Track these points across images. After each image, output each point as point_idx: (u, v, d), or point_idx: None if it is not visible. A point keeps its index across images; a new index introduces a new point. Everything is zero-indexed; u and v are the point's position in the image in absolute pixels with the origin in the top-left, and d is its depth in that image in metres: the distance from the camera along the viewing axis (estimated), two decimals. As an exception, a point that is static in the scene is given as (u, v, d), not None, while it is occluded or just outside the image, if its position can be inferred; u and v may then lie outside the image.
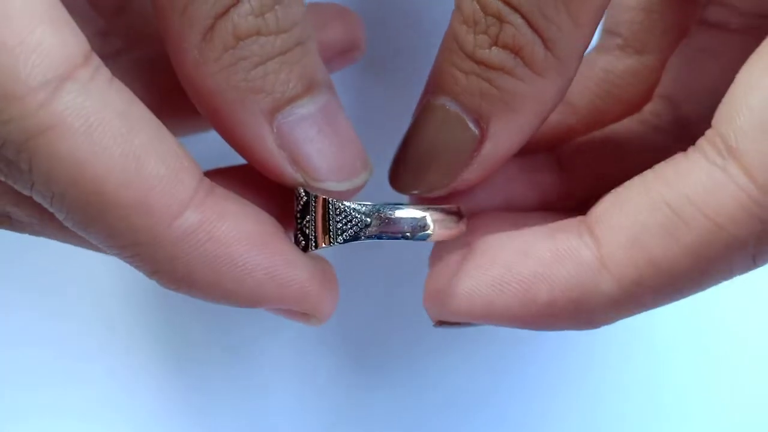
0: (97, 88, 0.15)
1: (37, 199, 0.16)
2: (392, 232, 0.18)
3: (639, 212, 0.17)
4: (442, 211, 0.19)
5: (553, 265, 0.17)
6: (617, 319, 0.18)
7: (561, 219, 0.23)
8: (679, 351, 0.31)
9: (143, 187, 0.15)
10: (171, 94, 0.20)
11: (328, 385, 0.31)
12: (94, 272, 0.30)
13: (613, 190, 0.18)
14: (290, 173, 0.18)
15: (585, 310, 0.17)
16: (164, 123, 0.17)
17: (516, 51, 0.17)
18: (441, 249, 0.20)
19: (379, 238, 0.18)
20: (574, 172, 0.24)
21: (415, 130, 0.19)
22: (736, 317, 0.31)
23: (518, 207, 0.23)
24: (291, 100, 0.18)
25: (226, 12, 0.16)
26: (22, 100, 0.14)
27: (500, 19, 0.17)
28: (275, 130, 0.18)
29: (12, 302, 0.31)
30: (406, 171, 0.20)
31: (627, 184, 0.18)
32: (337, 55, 0.24)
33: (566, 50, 0.17)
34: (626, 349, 0.31)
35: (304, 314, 0.19)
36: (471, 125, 0.18)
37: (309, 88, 0.18)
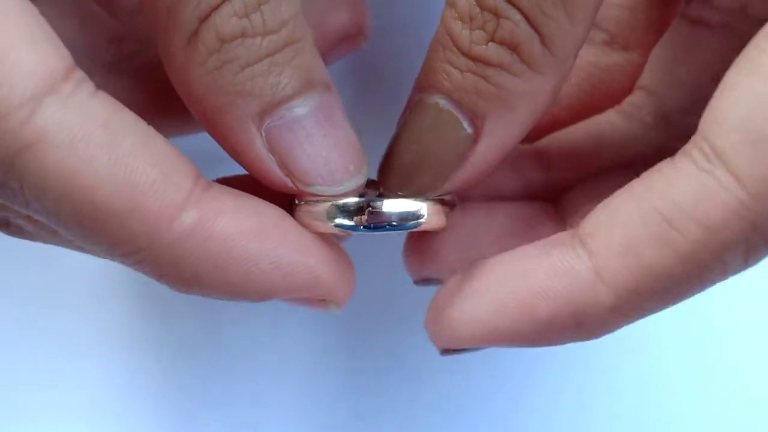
0: (78, 101, 0.15)
1: (36, 216, 0.16)
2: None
3: (631, 223, 0.17)
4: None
5: (549, 282, 0.18)
6: (617, 328, 0.18)
7: (544, 209, 0.23)
8: (672, 350, 0.31)
9: (135, 192, 0.16)
10: None
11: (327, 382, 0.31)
12: (89, 271, 0.30)
13: (603, 202, 0.18)
14: (280, 177, 0.18)
15: (585, 322, 0.18)
16: (182, 120, 0.17)
17: (513, 47, 0.17)
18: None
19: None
20: (556, 162, 0.24)
21: (405, 130, 0.19)
22: (731, 317, 0.31)
23: (502, 196, 0.23)
24: (280, 103, 0.17)
25: (209, 15, 0.16)
26: (5, 119, 0.15)
27: (497, 15, 0.17)
28: (264, 134, 0.17)
29: (5, 301, 0.30)
30: (397, 172, 0.19)
31: (616, 194, 0.18)
32: (342, 41, 0.24)
33: (563, 48, 0.17)
34: (618, 347, 0.31)
35: (321, 301, 0.19)
36: (465, 124, 0.18)
37: (300, 90, 0.17)
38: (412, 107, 0.19)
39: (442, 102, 0.18)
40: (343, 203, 0.18)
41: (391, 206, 0.19)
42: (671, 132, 0.23)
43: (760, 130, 0.16)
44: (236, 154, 0.18)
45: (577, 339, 0.18)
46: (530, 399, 0.31)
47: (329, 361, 0.31)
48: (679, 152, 0.17)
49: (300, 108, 0.17)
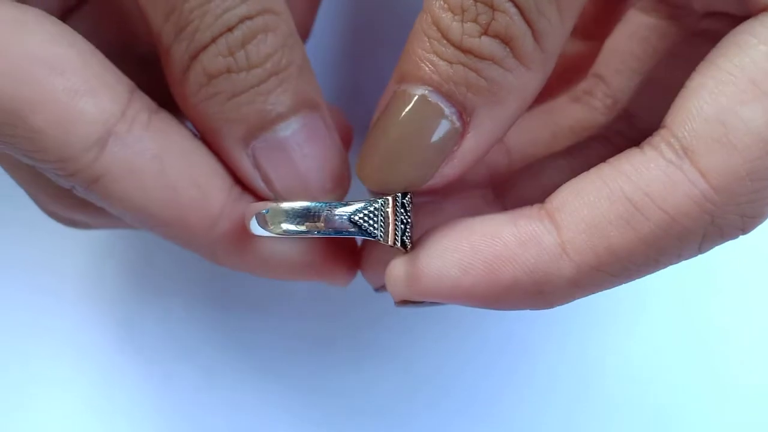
0: (133, 139, 0.19)
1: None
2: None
3: (599, 202, 0.18)
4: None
5: (516, 249, 0.18)
6: (572, 300, 0.19)
7: (482, 195, 0.24)
8: (670, 349, 0.32)
9: (180, 209, 0.19)
10: None
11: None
12: (91, 268, 0.30)
13: (571, 181, 0.19)
14: (265, 191, 0.20)
15: (544, 291, 0.18)
16: None
17: (507, 41, 0.17)
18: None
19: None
20: (515, 149, 0.24)
21: (388, 122, 0.18)
22: (730, 316, 0.31)
23: (469, 182, 0.23)
24: (264, 128, 0.19)
25: (197, 54, 0.19)
26: (79, 160, 0.18)
27: (492, 8, 0.17)
28: (251, 153, 0.20)
29: (10, 296, 0.30)
30: (380, 167, 0.19)
31: (584, 175, 0.19)
32: None
33: (552, 44, 0.18)
34: (614, 344, 0.32)
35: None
36: (453, 118, 0.18)
37: (284, 113, 0.19)
38: (397, 98, 0.18)
39: (428, 94, 0.18)
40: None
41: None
42: (622, 117, 0.24)
43: (725, 131, 0.17)
44: (231, 168, 0.20)
45: (532, 306, 0.19)
46: (529, 400, 0.32)
47: (329, 359, 0.31)
48: (646, 144, 0.18)
49: (283, 131, 0.20)
